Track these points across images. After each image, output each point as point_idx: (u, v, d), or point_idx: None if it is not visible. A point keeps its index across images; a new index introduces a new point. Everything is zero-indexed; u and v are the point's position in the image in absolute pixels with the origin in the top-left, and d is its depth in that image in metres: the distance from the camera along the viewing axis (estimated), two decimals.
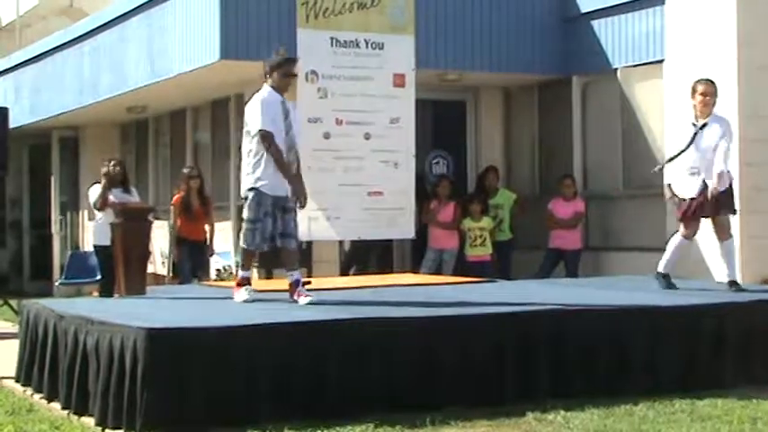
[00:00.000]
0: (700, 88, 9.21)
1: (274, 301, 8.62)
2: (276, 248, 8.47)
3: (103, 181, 11.69)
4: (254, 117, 8.33)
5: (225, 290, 10.04)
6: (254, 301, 8.44)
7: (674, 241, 9.44)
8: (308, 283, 9.03)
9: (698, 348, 7.96)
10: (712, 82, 9.31)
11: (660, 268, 9.51)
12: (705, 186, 9.06)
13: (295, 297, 8.30)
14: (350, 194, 11.20)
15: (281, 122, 8.31)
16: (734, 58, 11.81)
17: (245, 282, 8.65)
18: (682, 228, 9.37)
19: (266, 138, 8.23)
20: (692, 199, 9.12)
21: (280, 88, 8.41)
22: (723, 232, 9.29)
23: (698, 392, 7.45)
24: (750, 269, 11.63)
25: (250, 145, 8.38)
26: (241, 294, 8.56)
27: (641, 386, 7.56)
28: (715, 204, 9.10)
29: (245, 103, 13.60)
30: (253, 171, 8.33)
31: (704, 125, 9.15)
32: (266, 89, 8.43)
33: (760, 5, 12.00)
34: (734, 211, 9.35)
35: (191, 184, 12.95)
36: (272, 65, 8.44)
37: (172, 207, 13.17)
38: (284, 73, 8.40)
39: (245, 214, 8.43)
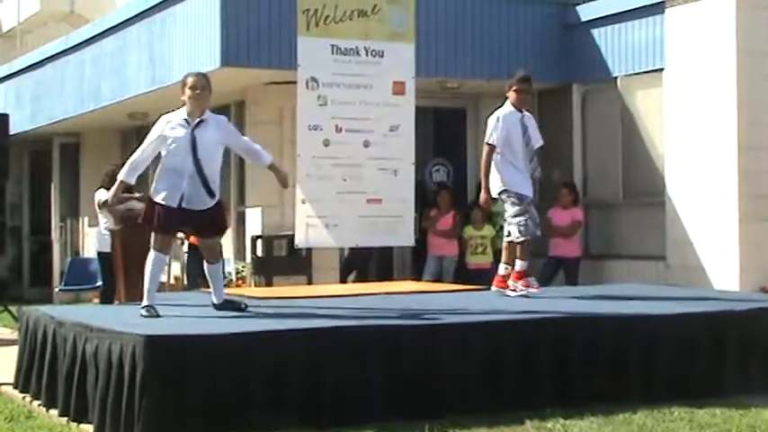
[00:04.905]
0: (189, 81, 8.57)
1: (273, 308, 8.63)
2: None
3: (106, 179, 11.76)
4: (488, 129, 9.23)
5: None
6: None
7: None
8: None
9: (697, 357, 7.96)
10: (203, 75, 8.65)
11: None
12: None
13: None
14: (348, 202, 11.17)
15: (519, 137, 9.17)
16: (734, 66, 11.82)
17: (525, 274, 9.28)
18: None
19: (487, 149, 9.20)
20: None
21: (516, 104, 9.20)
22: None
23: (697, 400, 7.46)
24: (748, 277, 11.64)
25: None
26: (523, 287, 9.19)
27: (640, 394, 7.57)
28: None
29: (246, 110, 13.63)
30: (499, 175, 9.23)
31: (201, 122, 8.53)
32: (507, 106, 9.25)
33: (760, 14, 12.02)
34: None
35: None
36: (509, 84, 9.26)
37: None
38: (517, 90, 9.18)
39: (511, 211, 9.13)
